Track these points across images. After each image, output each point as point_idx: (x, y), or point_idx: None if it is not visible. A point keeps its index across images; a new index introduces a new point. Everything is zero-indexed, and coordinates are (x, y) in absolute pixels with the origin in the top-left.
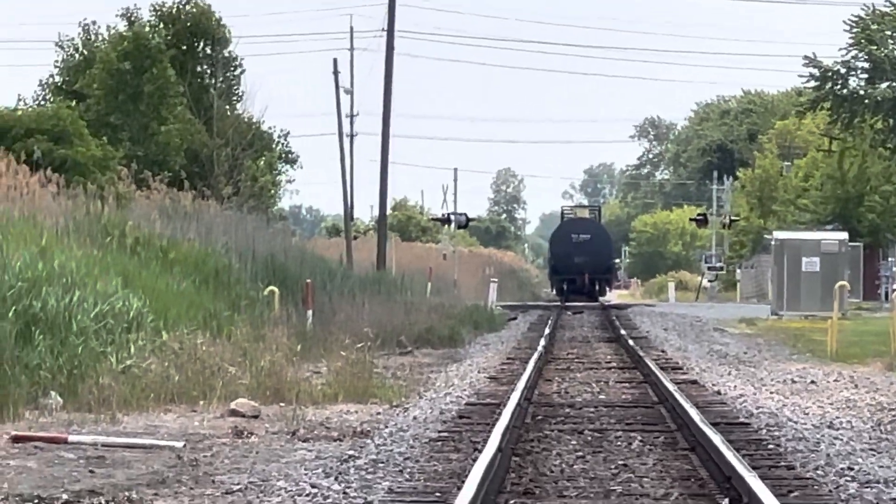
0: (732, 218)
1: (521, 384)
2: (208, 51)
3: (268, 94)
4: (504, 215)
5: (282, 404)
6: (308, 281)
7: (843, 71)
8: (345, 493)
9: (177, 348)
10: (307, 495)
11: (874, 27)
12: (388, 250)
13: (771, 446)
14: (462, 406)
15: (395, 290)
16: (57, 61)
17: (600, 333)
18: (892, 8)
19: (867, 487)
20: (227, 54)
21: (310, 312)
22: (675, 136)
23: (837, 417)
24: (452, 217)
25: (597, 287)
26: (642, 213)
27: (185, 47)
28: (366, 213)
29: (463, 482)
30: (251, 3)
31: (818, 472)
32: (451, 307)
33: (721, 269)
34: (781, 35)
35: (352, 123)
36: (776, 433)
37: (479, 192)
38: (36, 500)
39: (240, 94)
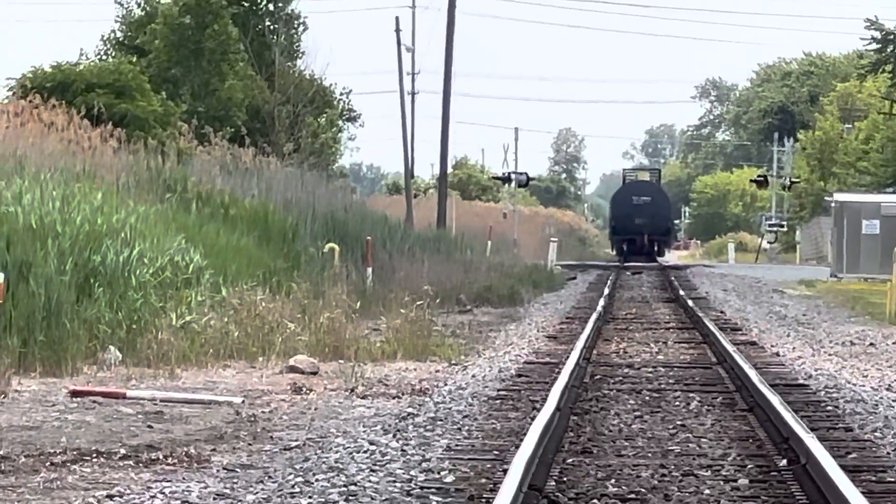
0: (793, 180)
1: (579, 343)
2: (270, 7)
3: (329, 51)
4: (564, 175)
5: (340, 361)
6: (368, 238)
7: None
8: (403, 450)
9: (236, 304)
10: (365, 452)
11: None
12: (448, 209)
13: (829, 408)
14: (521, 365)
15: (455, 248)
16: (118, 17)
17: (659, 294)
18: None
19: None
20: (289, 11)
21: (369, 270)
22: (736, 97)
23: None
24: (513, 176)
25: (656, 248)
26: (703, 174)
27: (247, 3)
28: (426, 171)
29: (521, 440)
30: None
31: (876, 434)
32: (511, 266)
33: (782, 226)
34: None
35: (413, 82)
36: (834, 395)
37: (539, 152)
38: (94, 455)
39: (301, 51)
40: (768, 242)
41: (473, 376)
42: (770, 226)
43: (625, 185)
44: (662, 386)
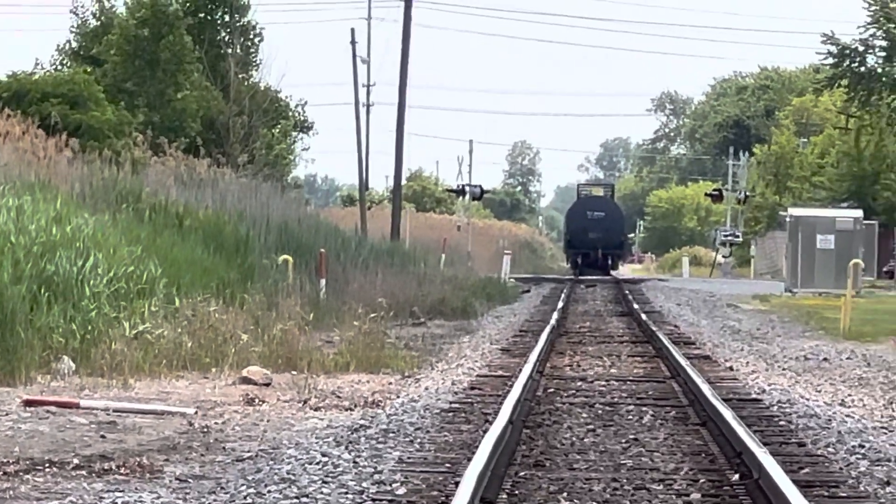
0: (748, 194)
1: (532, 357)
2: (226, 18)
3: (285, 62)
4: (519, 188)
5: (293, 373)
6: (322, 250)
7: (860, 49)
8: (355, 462)
9: (190, 315)
10: (317, 463)
11: (893, 5)
12: (402, 221)
13: (782, 423)
14: (474, 377)
15: (409, 260)
16: (73, 27)
17: (613, 307)
18: None
19: (878, 465)
20: (244, 22)
21: (323, 282)
22: (692, 111)
23: (849, 395)
24: (467, 188)
25: (609, 261)
26: (657, 188)
27: (203, 15)
28: (381, 183)
29: (473, 453)
30: None
31: (829, 449)
32: (465, 279)
33: (737, 237)
34: (800, 12)
35: (368, 93)
36: (788, 410)
37: (494, 165)
38: (47, 464)
39: (257, 62)
40: (723, 256)
41: (426, 389)
42: (725, 236)
43: (579, 199)
44: (615, 399)
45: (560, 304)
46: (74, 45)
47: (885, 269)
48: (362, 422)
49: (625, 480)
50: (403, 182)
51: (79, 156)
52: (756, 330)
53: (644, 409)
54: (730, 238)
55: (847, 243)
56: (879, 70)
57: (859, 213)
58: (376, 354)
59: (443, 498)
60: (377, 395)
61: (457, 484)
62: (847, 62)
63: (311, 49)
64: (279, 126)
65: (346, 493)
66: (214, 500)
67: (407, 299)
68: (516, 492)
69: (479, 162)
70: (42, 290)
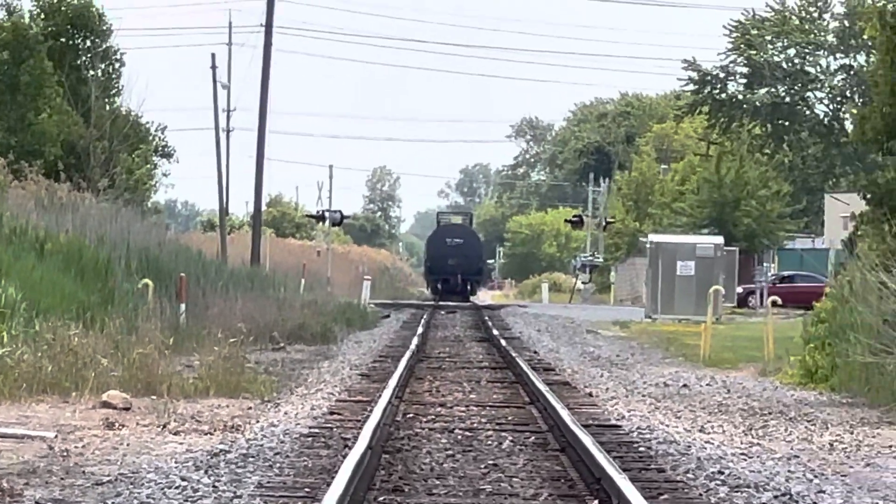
0: (608, 220)
1: (392, 382)
2: (88, 43)
3: (146, 87)
4: (379, 213)
5: (153, 397)
6: (182, 275)
7: (721, 75)
8: (214, 486)
9: (50, 339)
10: (177, 487)
11: (754, 32)
12: (262, 246)
13: (642, 449)
14: (333, 403)
15: (269, 285)
16: None
17: (473, 333)
18: (772, 13)
19: (737, 492)
20: (106, 47)
21: (183, 306)
22: (553, 136)
23: (709, 422)
24: (327, 214)
25: (468, 287)
26: (517, 214)
27: (64, 39)
28: (241, 208)
29: (333, 478)
30: None
31: (689, 475)
32: (325, 304)
33: (595, 258)
34: (661, 38)
35: (228, 118)
36: (647, 436)
37: (354, 190)
38: None
39: (118, 86)
40: (583, 282)
41: (286, 413)
42: (584, 260)
43: (439, 227)
44: (475, 425)
45: (420, 330)
46: None
47: (738, 292)
48: (222, 446)
49: None
50: (263, 207)
51: None
52: (616, 356)
53: (503, 434)
54: (590, 261)
55: (707, 270)
56: (740, 97)
57: (720, 239)
58: (236, 379)
59: None
60: (237, 419)
61: None
62: (708, 89)
63: (172, 74)
64: (140, 151)
65: None
66: None
67: (267, 324)
68: None
69: (339, 187)
70: None
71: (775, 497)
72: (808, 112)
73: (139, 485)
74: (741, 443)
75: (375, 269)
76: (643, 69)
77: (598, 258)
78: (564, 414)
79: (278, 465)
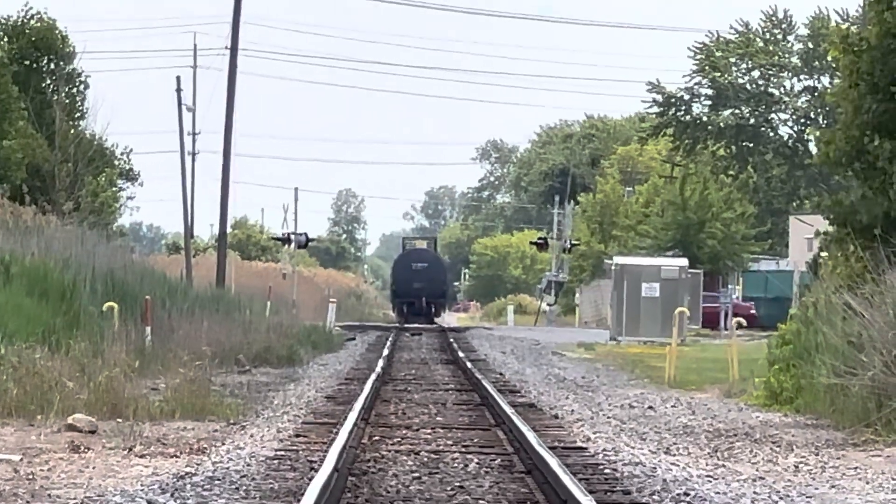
0: (573, 242)
1: (358, 405)
2: (52, 66)
3: (111, 110)
4: (344, 236)
5: (119, 420)
6: (147, 298)
7: (686, 97)
8: None
9: (15, 362)
10: None
11: (718, 54)
12: (227, 269)
13: (608, 471)
14: (299, 425)
15: (234, 308)
16: None
17: (438, 355)
18: (737, 35)
19: None
20: (70, 70)
21: (148, 329)
22: (517, 159)
23: (675, 443)
24: (292, 237)
25: (433, 309)
26: (482, 236)
27: (29, 62)
28: (206, 231)
29: (299, 500)
30: (97, 19)
31: (654, 497)
32: (290, 327)
33: (559, 276)
34: (625, 60)
35: (194, 141)
36: (613, 458)
37: (319, 213)
38: None
39: (83, 110)
40: (548, 304)
41: (252, 436)
42: (550, 276)
43: (404, 251)
44: (441, 447)
45: (386, 352)
46: None
47: (704, 309)
48: (188, 469)
49: None
50: (229, 230)
51: None
52: (581, 378)
53: (469, 456)
54: (555, 276)
55: (672, 291)
56: (705, 118)
57: (684, 261)
58: (202, 402)
59: None
60: (202, 442)
61: None
62: (672, 110)
63: (137, 97)
64: (105, 174)
65: None
66: None
67: (232, 347)
68: None
69: (304, 210)
70: None
71: None
72: (772, 134)
73: None
74: (707, 464)
75: (341, 292)
76: (608, 91)
77: (562, 274)
78: (531, 436)
79: (244, 487)
